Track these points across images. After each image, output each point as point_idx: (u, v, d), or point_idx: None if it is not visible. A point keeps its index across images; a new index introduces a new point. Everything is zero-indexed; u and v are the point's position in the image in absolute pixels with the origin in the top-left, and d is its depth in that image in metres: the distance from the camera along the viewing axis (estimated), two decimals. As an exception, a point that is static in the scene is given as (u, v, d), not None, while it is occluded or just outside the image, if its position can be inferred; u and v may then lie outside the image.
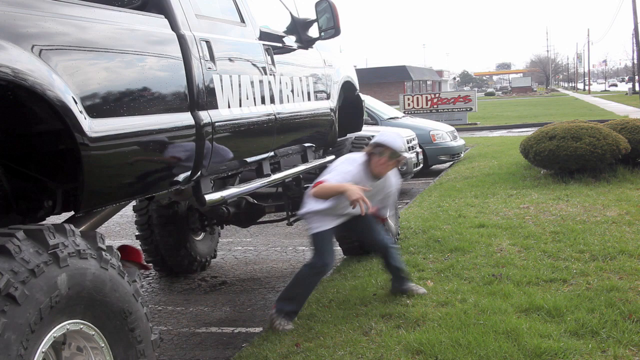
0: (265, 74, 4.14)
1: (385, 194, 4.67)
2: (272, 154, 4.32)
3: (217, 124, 3.41)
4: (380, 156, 4.31)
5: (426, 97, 20.52)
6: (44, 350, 2.07)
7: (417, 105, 20.14)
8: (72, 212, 2.74)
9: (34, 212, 2.72)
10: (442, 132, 12.06)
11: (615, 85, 63.11)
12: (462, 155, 12.82)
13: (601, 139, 8.63)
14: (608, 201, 7.39)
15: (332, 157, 5.51)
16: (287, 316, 4.18)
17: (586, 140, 8.63)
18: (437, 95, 21.03)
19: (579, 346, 3.50)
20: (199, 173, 3.38)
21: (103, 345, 2.37)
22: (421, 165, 10.44)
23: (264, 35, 4.30)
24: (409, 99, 20.42)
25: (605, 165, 8.90)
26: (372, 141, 4.42)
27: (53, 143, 2.54)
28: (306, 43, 5.10)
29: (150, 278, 5.97)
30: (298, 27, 5.10)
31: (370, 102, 11.61)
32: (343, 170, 4.28)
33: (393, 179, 4.68)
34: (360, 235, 5.00)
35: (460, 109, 20.54)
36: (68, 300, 2.17)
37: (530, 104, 42.02)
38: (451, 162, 12.47)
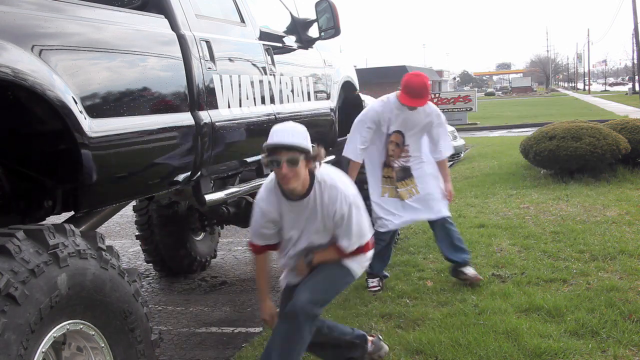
0: (265, 74, 4.14)
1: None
2: (272, 154, 4.31)
3: (217, 124, 3.41)
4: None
5: (426, 97, 20.46)
6: (44, 350, 2.07)
7: (417, 105, 20.07)
8: (72, 212, 2.74)
9: (34, 212, 2.71)
10: (442, 132, 12.03)
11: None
12: (462, 155, 12.81)
13: (601, 139, 8.62)
14: (608, 201, 7.38)
15: (332, 157, 5.51)
16: None
17: (586, 140, 8.63)
18: (437, 95, 21.04)
19: (579, 346, 3.50)
20: (199, 173, 3.38)
21: (103, 345, 2.37)
22: (421, 165, 10.42)
23: (264, 35, 4.30)
24: (409, 99, 20.34)
25: (605, 165, 8.90)
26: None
27: (53, 143, 2.54)
28: (306, 43, 5.09)
29: (150, 278, 5.97)
30: (298, 27, 5.10)
31: (370, 102, 11.56)
32: None
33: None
34: None
35: (460, 109, 20.54)
36: (68, 300, 2.17)
37: (530, 104, 41.99)
38: (451, 162, 12.45)
